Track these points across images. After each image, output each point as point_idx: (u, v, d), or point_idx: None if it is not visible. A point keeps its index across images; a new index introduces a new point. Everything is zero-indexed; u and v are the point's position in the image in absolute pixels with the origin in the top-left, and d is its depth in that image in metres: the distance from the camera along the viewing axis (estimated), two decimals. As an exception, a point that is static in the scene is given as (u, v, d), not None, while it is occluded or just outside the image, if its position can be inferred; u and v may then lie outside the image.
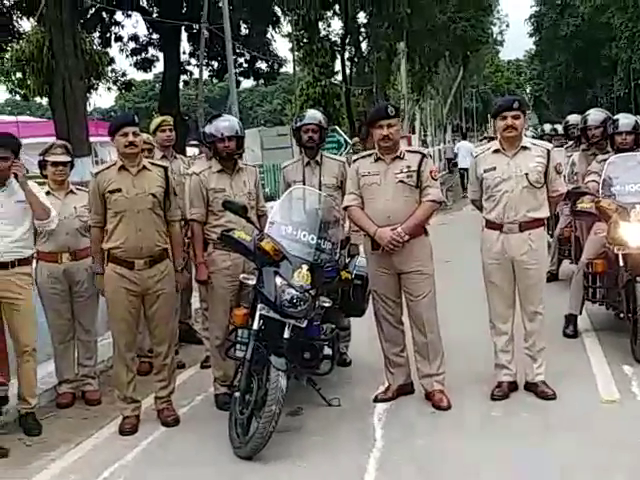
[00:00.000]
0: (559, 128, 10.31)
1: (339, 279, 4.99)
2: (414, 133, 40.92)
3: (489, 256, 4.96)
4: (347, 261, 5.45)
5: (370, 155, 5.00)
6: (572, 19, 51.54)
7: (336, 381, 5.32)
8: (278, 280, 4.42)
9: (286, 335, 4.39)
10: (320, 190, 5.38)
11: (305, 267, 4.50)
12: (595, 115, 7.11)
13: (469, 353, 5.56)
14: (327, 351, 4.74)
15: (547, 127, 11.93)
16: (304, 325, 4.46)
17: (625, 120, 6.20)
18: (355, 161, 5.09)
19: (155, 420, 4.88)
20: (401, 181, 4.81)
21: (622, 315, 5.84)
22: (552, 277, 8.04)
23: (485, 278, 5.04)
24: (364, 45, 35.86)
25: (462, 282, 7.05)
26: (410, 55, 37.05)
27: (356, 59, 36.34)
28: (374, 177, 4.88)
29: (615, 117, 6.40)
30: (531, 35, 59.46)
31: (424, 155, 4.94)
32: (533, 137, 7.77)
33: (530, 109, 79.36)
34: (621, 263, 5.57)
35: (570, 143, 8.65)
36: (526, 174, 4.82)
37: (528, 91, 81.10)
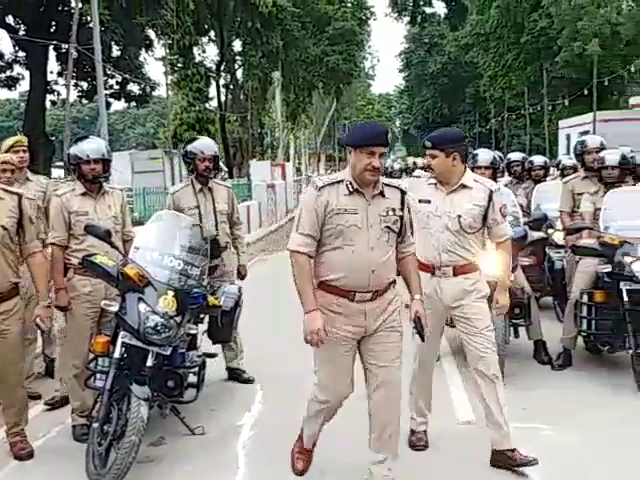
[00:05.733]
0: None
1: (207, 305, 4.94)
2: (289, 161, 41.46)
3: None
4: (216, 287, 5.43)
5: (339, 182, 3.70)
6: (439, 57, 54.20)
7: (201, 408, 5.23)
8: (142, 306, 4.32)
9: (149, 363, 4.29)
10: (215, 216, 5.68)
11: (171, 293, 4.41)
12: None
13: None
14: (192, 379, 4.70)
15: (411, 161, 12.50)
16: (168, 353, 4.38)
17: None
18: (320, 189, 3.66)
19: (7, 453, 4.61)
20: (387, 226, 3.72)
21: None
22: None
23: None
24: (239, 73, 36.15)
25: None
26: (285, 85, 37.73)
27: (231, 86, 36.53)
28: (353, 216, 3.65)
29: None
30: (401, 71, 61.98)
31: (404, 192, 3.82)
32: (400, 169, 8.01)
33: (399, 141, 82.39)
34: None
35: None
36: (459, 216, 4.26)
37: (397, 124, 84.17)
